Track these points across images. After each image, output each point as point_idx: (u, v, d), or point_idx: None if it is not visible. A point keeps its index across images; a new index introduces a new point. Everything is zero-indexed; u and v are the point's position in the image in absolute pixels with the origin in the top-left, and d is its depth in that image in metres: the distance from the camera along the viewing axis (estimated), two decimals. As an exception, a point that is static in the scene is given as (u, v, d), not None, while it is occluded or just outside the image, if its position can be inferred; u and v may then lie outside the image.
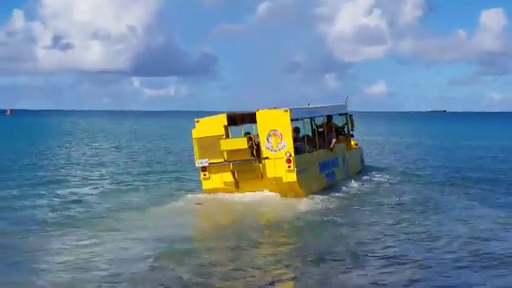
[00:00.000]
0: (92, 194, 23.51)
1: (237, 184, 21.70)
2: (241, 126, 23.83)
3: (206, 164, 21.69)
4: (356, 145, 29.64)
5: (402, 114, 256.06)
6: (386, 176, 27.60)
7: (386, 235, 15.97)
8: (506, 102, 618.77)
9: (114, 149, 49.11)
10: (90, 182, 27.53)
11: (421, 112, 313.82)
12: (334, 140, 25.33)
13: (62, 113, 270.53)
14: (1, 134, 70.24)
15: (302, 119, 24.06)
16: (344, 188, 23.78)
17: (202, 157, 21.69)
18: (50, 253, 14.24)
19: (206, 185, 21.93)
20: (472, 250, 14.14)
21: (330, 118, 26.46)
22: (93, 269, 12.87)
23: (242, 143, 21.44)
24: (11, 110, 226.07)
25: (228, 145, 21.49)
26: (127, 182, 27.44)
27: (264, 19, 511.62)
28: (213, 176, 21.82)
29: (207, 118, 22.12)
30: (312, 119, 25.48)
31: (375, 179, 26.79)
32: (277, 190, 21.26)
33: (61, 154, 42.65)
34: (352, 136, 28.31)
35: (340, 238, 15.76)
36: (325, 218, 18.31)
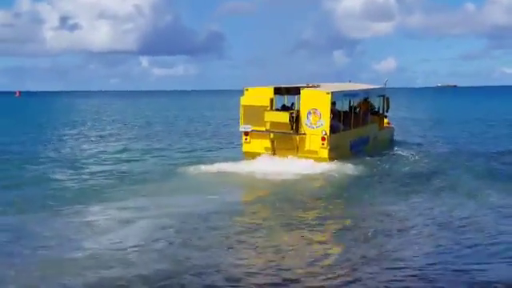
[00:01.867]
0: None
1: (274, 152, 23.79)
2: (285, 97, 25.79)
3: (249, 130, 23.81)
4: (389, 123, 31.79)
5: (413, 90, 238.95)
6: (406, 151, 28.40)
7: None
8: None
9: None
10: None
11: (431, 87, 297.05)
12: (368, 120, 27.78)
13: (71, 94, 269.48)
14: (33, 115, 71.53)
15: (341, 100, 26.22)
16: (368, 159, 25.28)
17: (246, 123, 23.83)
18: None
19: (246, 148, 24.12)
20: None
21: (366, 98, 28.62)
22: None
23: (284, 117, 23.44)
24: (20, 92, 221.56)
25: (271, 117, 23.55)
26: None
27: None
28: (253, 141, 23.93)
29: (256, 89, 24.05)
30: (350, 100, 27.64)
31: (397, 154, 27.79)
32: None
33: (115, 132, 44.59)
34: (386, 116, 30.83)
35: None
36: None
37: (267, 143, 23.96)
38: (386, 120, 31.10)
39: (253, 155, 23.88)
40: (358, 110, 27.84)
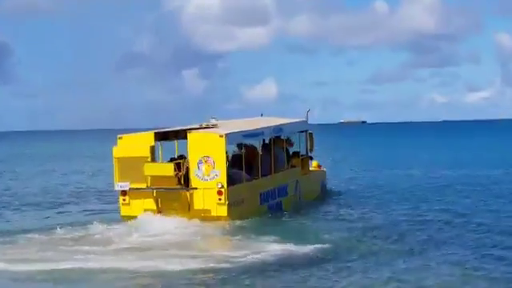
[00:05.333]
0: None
1: (159, 214, 19.55)
2: (175, 142, 21.60)
3: (127, 188, 19.67)
4: (319, 167, 26.82)
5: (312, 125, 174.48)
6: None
7: None
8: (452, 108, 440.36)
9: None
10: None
11: (332, 124, 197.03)
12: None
13: None
14: None
15: (243, 142, 21.62)
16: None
17: (122, 179, 19.68)
18: None
19: (124, 211, 19.91)
20: None
21: (279, 136, 23.36)
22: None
23: (167, 169, 19.43)
24: None
25: (152, 170, 19.50)
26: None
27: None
28: (133, 202, 19.75)
29: (132, 135, 20.16)
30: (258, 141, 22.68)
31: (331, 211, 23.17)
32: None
33: None
34: (311, 158, 25.44)
35: None
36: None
37: (151, 203, 19.56)
38: (315, 162, 26.18)
39: (134, 219, 19.56)
40: (271, 153, 22.41)
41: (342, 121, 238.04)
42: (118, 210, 20.29)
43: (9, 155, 69.78)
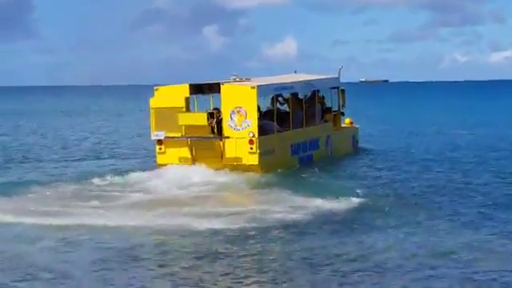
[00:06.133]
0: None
1: (194, 162, 20.28)
2: (210, 96, 22.13)
3: (162, 137, 20.39)
4: (351, 123, 26.98)
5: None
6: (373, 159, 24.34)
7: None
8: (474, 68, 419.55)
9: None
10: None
11: (352, 83, 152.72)
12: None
13: None
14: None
15: (274, 95, 22.31)
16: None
17: (158, 129, 20.42)
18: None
19: (160, 159, 20.67)
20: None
21: (313, 92, 23.93)
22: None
23: (201, 119, 20.22)
24: None
25: (186, 119, 20.29)
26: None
27: None
28: (169, 150, 20.45)
29: (168, 87, 20.95)
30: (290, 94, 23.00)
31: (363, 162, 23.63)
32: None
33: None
34: (343, 114, 25.74)
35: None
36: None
37: (185, 152, 20.29)
38: (347, 119, 26.44)
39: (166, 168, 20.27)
40: (304, 106, 22.99)
41: (362, 79, 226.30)
42: (141, 164, 21.42)
43: (30, 110, 69.81)
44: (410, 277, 10.89)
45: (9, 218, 15.11)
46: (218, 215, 15.11)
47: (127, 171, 20.70)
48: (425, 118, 49.77)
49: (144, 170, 20.65)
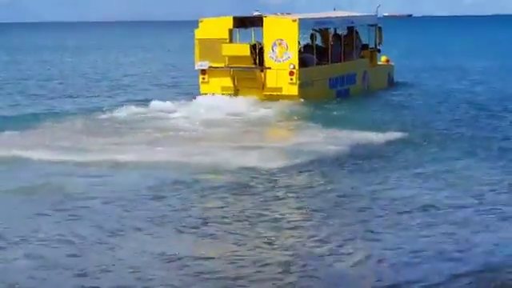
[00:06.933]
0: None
1: (236, 91, 21.15)
2: (251, 30, 22.64)
3: (206, 67, 21.22)
4: (387, 61, 27.26)
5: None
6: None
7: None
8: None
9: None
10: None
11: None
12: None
13: None
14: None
15: (315, 29, 22.96)
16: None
17: (202, 59, 21.25)
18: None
19: (203, 89, 21.48)
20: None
21: (351, 28, 24.43)
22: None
23: (244, 50, 20.96)
24: None
25: (230, 50, 21.05)
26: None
27: None
28: (212, 80, 21.27)
29: (212, 19, 21.69)
30: (325, 30, 23.74)
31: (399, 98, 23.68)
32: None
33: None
34: (379, 51, 26.05)
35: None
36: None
37: (228, 81, 21.16)
38: (384, 57, 26.78)
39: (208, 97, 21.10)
40: (341, 42, 23.43)
41: (386, 14, 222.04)
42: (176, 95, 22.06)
43: (45, 46, 69.80)
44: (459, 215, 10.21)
45: (43, 155, 13.93)
46: (253, 149, 14.39)
47: (166, 100, 21.10)
48: (456, 52, 48.69)
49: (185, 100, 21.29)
